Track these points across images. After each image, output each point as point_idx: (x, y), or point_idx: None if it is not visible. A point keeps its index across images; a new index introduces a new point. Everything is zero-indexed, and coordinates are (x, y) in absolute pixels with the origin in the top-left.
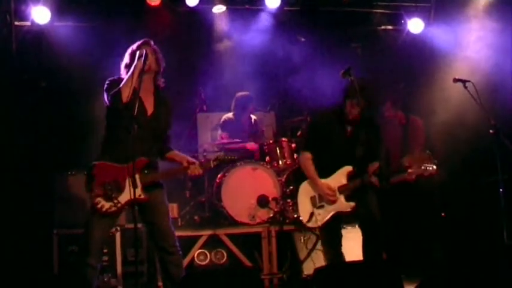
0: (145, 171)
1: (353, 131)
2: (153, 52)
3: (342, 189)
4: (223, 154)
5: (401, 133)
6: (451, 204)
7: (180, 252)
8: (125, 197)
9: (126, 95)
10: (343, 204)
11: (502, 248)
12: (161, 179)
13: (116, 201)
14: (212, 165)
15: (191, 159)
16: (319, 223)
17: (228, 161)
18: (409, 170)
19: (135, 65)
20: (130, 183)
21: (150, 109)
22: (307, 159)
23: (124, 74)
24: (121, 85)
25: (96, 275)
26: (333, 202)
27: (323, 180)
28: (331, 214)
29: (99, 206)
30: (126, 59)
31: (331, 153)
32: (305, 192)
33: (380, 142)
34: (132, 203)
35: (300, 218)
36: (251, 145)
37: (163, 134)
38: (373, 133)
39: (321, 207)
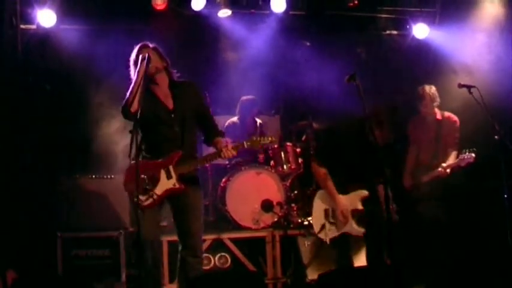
0: (182, 163)
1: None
2: (154, 51)
3: (355, 212)
4: (258, 137)
5: (435, 130)
6: (456, 209)
7: (203, 257)
8: (160, 188)
9: (133, 108)
10: (354, 229)
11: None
12: (195, 167)
13: (151, 193)
14: (246, 146)
15: (224, 143)
16: (328, 238)
17: (259, 146)
18: (443, 164)
19: (137, 72)
20: (165, 175)
21: (170, 105)
22: (324, 174)
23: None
24: (127, 97)
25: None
26: (344, 224)
27: (341, 196)
28: (340, 232)
29: (136, 200)
30: (131, 69)
31: (348, 168)
32: (321, 201)
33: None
34: (169, 193)
35: (312, 227)
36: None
37: (201, 120)
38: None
39: (333, 223)
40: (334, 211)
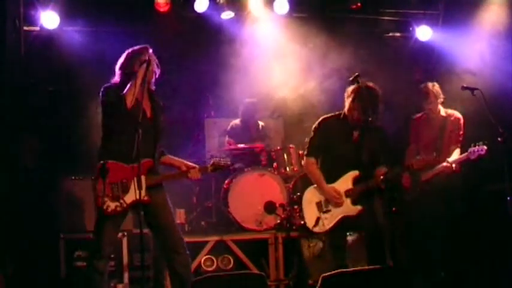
0: (150, 174)
1: (359, 135)
2: (152, 59)
3: (348, 193)
4: (218, 160)
5: (440, 127)
6: (457, 212)
7: (188, 252)
8: (130, 197)
9: (130, 101)
10: (350, 208)
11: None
12: (164, 181)
13: (121, 201)
14: (209, 171)
15: (190, 164)
16: (327, 227)
17: (224, 167)
18: (448, 159)
19: (140, 72)
20: (136, 184)
21: (149, 113)
22: (311, 164)
23: (117, 76)
24: (125, 91)
25: (105, 280)
26: (340, 205)
27: (329, 185)
28: (338, 218)
29: (104, 206)
30: (123, 61)
31: (336, 158)
32: (310, 198)
33: (386, 147)
34: (136, 203)
35: (306, 224)
36: (257, 146)
37: (160, 137)
38: (379, 138)
39: (328, 211)
40: (327, 201)
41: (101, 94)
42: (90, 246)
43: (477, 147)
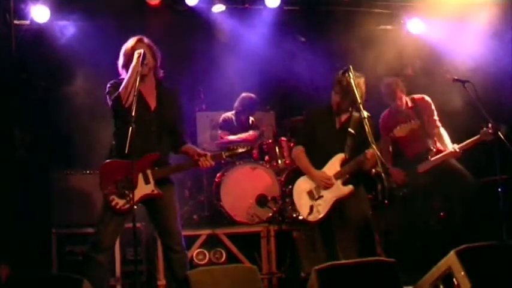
0: (156, 167)
1: (343, 123)
2: (149, 48)
3: (337, 175)
4: (235, 147)
5: (415, 118)
6: (450, 204)
7: (186, 252)
8: (138, 193)
9: (125, 99)
10: (341, 189)
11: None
12: (172, 173)
13: (128, 198)
14: (224, 157)
15: (202, 152)
16: (322, 214)
17: (239, 153)
18: (455, 146)
19: (132, 67)
20: (143, 179)
21: (153, 104)
22: (299, 151)
23: (123, 74)
24: (120, 90)
25: (106, 273)
26: (331, 188)
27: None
28: (331, 202)
29: (113, 203)
30: (121, 59)
31: (322, 146)
32: (301, 188)
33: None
34: (145, 199)
35: (300, 216)
36: (251, 135)
37: (173, 127)
38: (365, 125)
39: (320, 198)
40: (317, 188)
41: (106, 90)
42: (90, 238)
43: (492, 126)
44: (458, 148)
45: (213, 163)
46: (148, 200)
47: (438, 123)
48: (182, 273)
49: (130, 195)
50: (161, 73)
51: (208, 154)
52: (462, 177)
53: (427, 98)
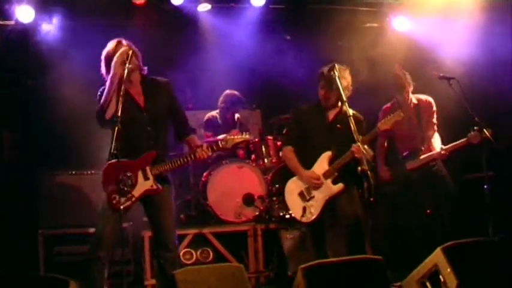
0: (155, 165)
1: (332, 119)
2: (130, 49)
3: (326, 174)
4: (211, 136)
5: (416, 116)
6: (437, 201)
7: (178, 251)
8: (138, 190)
9: (108, 112)
10: (332, 188)
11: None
12: (171, 168)
13: (130, 195)
14: (221, 146)
15: (198, 142)
16: (315, 214)
17: (238, 142)
18: (442, 146)
19: (114, 75)
20: (142, 176)
21: (142, 102)
22: (289, 151)
23: (107, 78)
24: (101, 103)
25: (106, 270)
26: (320, 188)
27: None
28: (323, 202)
29: (115, 201)
30: (104, 65)
31: (312, 145)
32: (292, 190)
33: (361, 132)
34: (145, 195)
35: (293, 216)
36: (235, 132)
37: (171, 117)
38: (353, 122)
39: (311, 198)
40: (308, 188)
41: (97, 96)
42: (91, 237)
43: (476, 132)
44: (445, 149)
45: (209, 153)
46: (147, 197)
47: (435, 127)
48: (172, 272)
49: (132, 193)
50: (145, 70)
51: (204, 144)
52: (444, 184)
53: (430, 99)
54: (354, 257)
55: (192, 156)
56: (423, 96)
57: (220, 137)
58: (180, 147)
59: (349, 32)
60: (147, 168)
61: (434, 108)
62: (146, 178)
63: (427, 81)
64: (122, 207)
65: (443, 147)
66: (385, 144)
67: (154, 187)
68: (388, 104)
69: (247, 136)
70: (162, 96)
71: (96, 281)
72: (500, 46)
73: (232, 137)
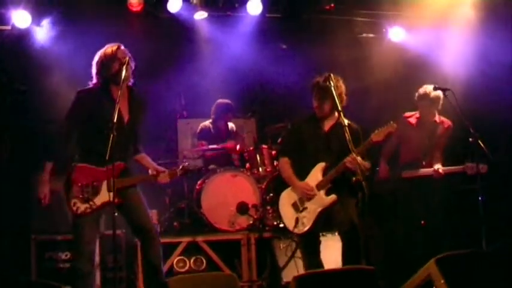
0: (121, 177)
1: (327, 130)
2: (128, 57)
3: (320, 185)
4: (188, 164)
5: (432, 130)
6: (431, 211)
7: (160, 242)
8: (100, 199)
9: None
10: (325, 200)
11: (481, 255)
12: (134, 184)
13: (91, 203)
14: (178, 174)
15: (160, 168)
16: (307, 226)
17: (194, 170)
18: (440, 167)
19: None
20: (107, 186)
21: (126, 116)
22: (284, 162)
23: (95, 80)
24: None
25: (89, 282)
26: (313, 199)
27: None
28: (316, 213)
29: (74, 208)
30: (98, 65)
31: (307, 155)
32: (285, 201)
33: (357, 142)
34: (106, 205)
35: (286, 226)
36: (230, 143)
37: (136, 136)
38: (349, 132)
39: (304, 209)
40: (301, 199)
41: (73, 99)
42: (71, 248)
43: (476, 164)
44: (442, 170)
45: (168, 179)
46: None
47: (443, 149)
48: (157, 263)
49: (94, 201)
50: (131, 81)
51: (167, 171)
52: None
53: (450, 123)
54: (346, 267)
55: (154, 178)
56: (445, 119)
57: (213, 146)
58: (173, 156)
59: (345, 42)
60: (112, 180)
61: (450, 132)
62: (109, 190)
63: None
64: (80, 213)
65: (441, 167)
66: (394, 144)
67: (116, 200)
68: (411, 114)
69: (198, 167)
70: (141, 113)
71: None
72: (497, 57)
73: (187, 167)
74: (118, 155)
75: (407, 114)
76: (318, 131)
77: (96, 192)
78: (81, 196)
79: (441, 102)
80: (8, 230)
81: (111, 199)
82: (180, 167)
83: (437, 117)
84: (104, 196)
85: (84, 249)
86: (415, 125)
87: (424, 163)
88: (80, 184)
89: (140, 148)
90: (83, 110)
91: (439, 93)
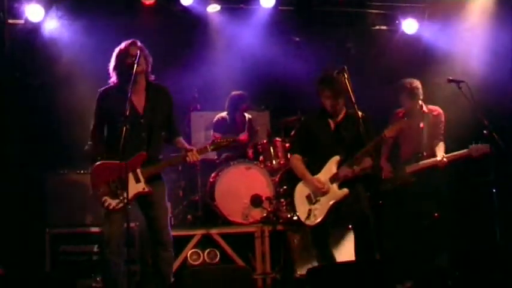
0: (145, 166)
1: (338, 123)
2: (141, 52)
3: (333, 178)
4: (219, 138)
5: (422, 122)
6: (445, 204)
7: (173, 251)
8: (130, 191)
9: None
10: (337, 193)
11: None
12: (161, 169)
13: (122, 197)
14: (209, 150)
15: (189, 146)
16: (319, 218)
17: (225, 145)
18: (443, 154)
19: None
20: (133, 178)
21: (141, 108)
22: (296, 159)
23: (113, 77)
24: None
25: (121, 272)
26: (326, 193)
27: (313, 176)
28: (328, 206)
29: (106, 204)
30: (113, 61)
31: (319, 150)
32: (300, 192)
33: (370, 134)
34: (138, 196)
35: (299, 217)
36: (243, 136)
37: (166, 125)
38: (361, 125)
39: (317, 201)
40: (315, 191)
41: (97, 97)
42: (100, 239)
43: (479, 145)
44: (446, 158)
45: (199, 157)
46: (142, 197)
47: (441, 137)
48: (168, 272)
49: (124, 195)
50: (152, 77)
51: (195, 148)
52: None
53: (441, 111)
54: (360, 258)
55: (183, 159)
56: (434, 107)
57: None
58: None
59: (358, 34)
60: (138, 171)
61: (443, 119)
62: (137, 180)
63: (435, 84)
64: (113, 208)
65: (445, 155)
66: (391, 143)
67: (146, 189)
68: (402, 110)
69: (230, 139)
70: (161, 103)
71: (115, 280)
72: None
73: (219, 141)
74: (137, 147)
75: (398, 110)
76: (328, 126)
77: (124, 185)
78: (110, 192)
79: (421, 91)
80: (23, 224)
81: (143, 189)
82: (211, 141)
83: (424, 107)
84: (133, 188)
85: (114, 242)
86: (408, 119)
87: (425, 154)
88: (106, 181)
89: (175, 134)
90: (103, 109)
91: (415, 82)
